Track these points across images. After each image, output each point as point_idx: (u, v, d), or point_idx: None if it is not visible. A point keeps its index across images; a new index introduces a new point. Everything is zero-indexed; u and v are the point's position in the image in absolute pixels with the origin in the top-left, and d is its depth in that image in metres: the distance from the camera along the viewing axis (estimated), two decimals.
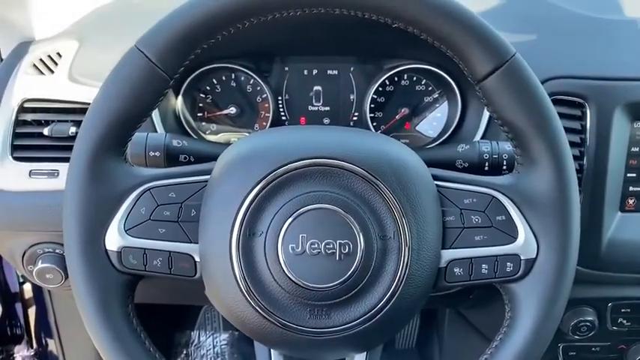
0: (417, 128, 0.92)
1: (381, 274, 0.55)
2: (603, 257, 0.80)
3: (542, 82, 0.78)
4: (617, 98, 0.77)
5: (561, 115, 0.79)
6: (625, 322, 0.89)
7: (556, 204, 0.56)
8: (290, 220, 0.54)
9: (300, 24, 0.80)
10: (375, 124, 0.91)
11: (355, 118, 0.92)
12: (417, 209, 0.56)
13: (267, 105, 0.90)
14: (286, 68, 0.91)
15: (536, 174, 0.57)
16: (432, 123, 0.92)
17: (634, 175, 0.81)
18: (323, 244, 0.54)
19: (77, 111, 0.82)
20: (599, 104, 0.77)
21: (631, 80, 0.77)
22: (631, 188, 0.81)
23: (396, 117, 0.91)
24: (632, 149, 0.79)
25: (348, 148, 0.57)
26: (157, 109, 0.82)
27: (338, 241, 0.54)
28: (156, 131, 0.83)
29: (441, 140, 0.90)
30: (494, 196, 0.58)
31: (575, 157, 0.78)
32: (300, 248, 0.54)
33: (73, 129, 0.80)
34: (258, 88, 0.90)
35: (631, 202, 0.82)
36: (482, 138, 0.84)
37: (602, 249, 0.80)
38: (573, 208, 0.56)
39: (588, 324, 0.87)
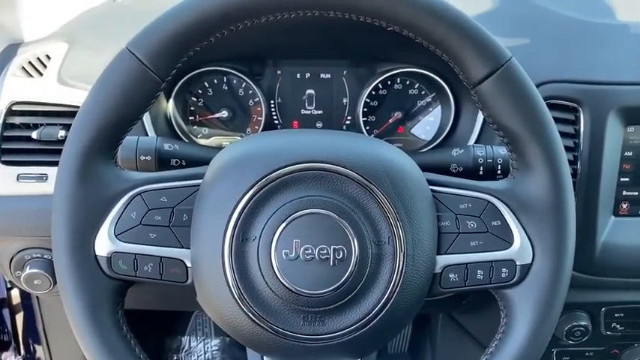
0: (410, 132, 0.92)
1: (375, 280, 0.55)
2: (597, 262, 0.80)
3: (537, 87, 0.78)
4: (610, 103, 0.77)
5: (555, 120, 0.78)
6: (618, 326, 0.89)
7: (552, 209, 0.56)
8: (283, 225, 0.53)
9: (294, 27, 0.79)
10: (368, 128, 0.91)
11: (348, 122, 0.92)
12: (412, 214, 0.55)
13: (259, 109, 0.90)
14: (279, 72, 0.90)
15: (531, 179, 0.56)
16: (426, 127, 0.92)
17: (627, 179, 0.81)
18: (317, 249, 0.53)
19: (66, 114, 0.81)
20: (592, 109, 0.76)
21: (624, 85, 0.77)
22: (624, 192, 0.81)
23: (389, 121, 0.91)
24: (626, 153, 0.79)
25: (342, 152, 0.56)
26: (147, 113, 0.81)
27: (332, 247, 0.53)
28: (147, 135, 0.82)
29: (434, 144, 0.90)
30: (489, 202, 0.58)
31: (569, 162, 0.78)
32: (293, 254, 0.53)
33: (62, 132, 0.79)
34: (251, 92, 0.89)
35: (624, 206, 0.82)
36: (476, 142, 0.84)
37: (596, 253, 0.80)
38: (569, 214, 0.56)
39: (582, 329, 0.87)
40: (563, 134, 0.77)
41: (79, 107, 0.55)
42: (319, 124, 0.92)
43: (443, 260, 0.57)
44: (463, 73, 0.55)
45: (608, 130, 0.76)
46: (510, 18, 0.91)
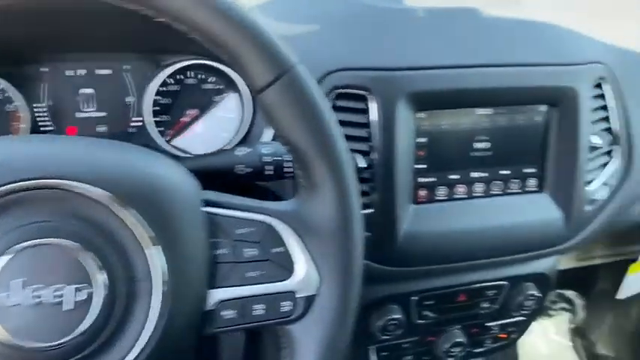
0: (208, 131, 0.83)
1: (127, 325, 0.45)
2: (401, 252, 0.78)
3: (324, 76, 0.74)
4: (399, 89, 0.74)
5: (346, 109, 0.74)
6: (430, 314, 0.89)
7: (338, 233, 0.50)
8: (1, 261, 0.42)
9: (58, 15, 0.67)
10: (162, 129, 0.81)
11: (138, 124, 0.81)
12: (177, 242, 0.47)
13: (20, 114, 0.75)
14: (44, 69, 0.77)
15: (317, 199, 0.50)
16: (224, 125, 0.84)
17: (423, 166, 0.80)
18: (49, 290, 0.42)
19: None
20: (382, 96, 0.73)
21: (411, 70, 0.75)
22: (420, 179, 0.80)
23: (183, 119, 0.82)
24: (418, 140, 0.78)
25: (85, 164, 0.46)
26: None
27: (71, 286, 0.43)
28: None
29: (236, 143, 0.83)
30: (271, 225, 0.51)
31: (364, 153, 0.75)
32: (14, 297, 0.41)
33: None
34: (7, 95, 0.75)
35: (422, 193, 0.81)
36: (274, 140, 0.78)
37: (399, 244, 0.77)
38: (355, 238, 0.51)
39: (396, 322, 0.85)
40: (355, 124, 0.74)
41: None
42: (102, 128, 0.81)
43: (216, 295, 0.49)
44: (246, 78, 0.47)
45: (398, 117, 0.74)
46: (296, 7, 0.86)
